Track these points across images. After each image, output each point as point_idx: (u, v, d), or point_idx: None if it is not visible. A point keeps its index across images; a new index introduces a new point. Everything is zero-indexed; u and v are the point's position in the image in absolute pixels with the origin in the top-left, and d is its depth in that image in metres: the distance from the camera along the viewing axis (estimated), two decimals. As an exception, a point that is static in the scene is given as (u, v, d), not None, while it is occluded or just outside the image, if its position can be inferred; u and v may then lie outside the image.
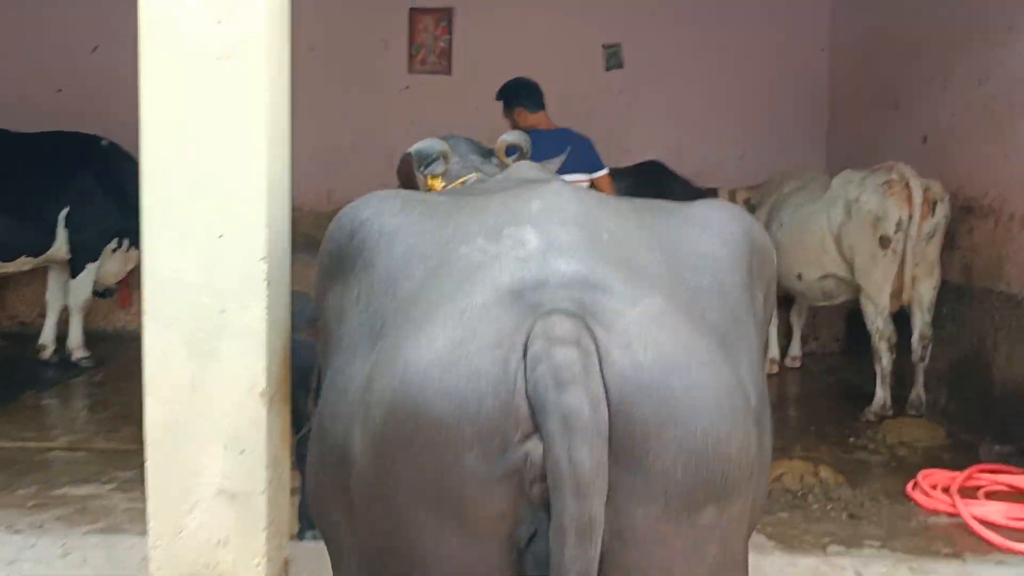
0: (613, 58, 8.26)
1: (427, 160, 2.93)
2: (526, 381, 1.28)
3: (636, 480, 1.30)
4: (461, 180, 2.82)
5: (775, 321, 6.98)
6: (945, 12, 6.03)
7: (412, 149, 3.03)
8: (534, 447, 1.28)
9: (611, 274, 1.38)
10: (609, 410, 1.28)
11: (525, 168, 2.32)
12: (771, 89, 8.37)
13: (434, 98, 8.01)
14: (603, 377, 1.28)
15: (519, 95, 5.65)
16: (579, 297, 1.34)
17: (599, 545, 1.26)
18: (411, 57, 8.33)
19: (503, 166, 2.89)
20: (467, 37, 8.29)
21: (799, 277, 6.12)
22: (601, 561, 1.28)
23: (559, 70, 8.25)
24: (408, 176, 3.00)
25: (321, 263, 1.77)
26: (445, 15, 8.25)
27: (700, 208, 1.71)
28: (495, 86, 8.33)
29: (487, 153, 3.14)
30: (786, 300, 7.06)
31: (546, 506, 1.28)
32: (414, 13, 8.25)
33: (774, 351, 7.02)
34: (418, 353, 1.34)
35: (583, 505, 1.24)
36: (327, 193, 7.86)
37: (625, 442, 1.29)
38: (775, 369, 6.99)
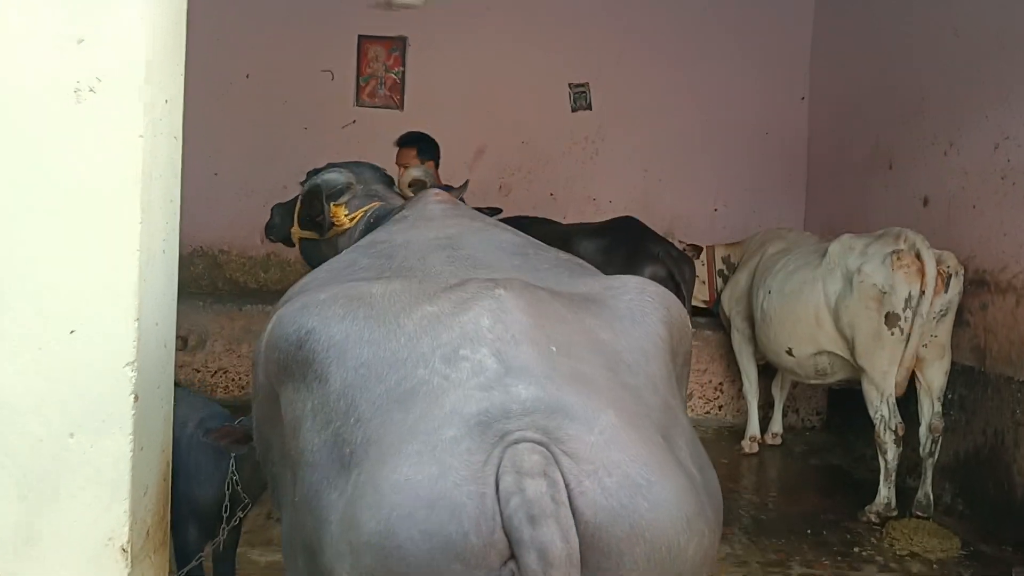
0: (580, 98, 7.61)
1: (333, 190, 3.07)
2: (501, 515, 1.36)
3: None
4: (363, 209, 3.01)
5: (756, 392, 6.33)
6: (951, 70, 5.50)
7: (320, 180, 3.15)
8: (514, 569, 1.36)
9: (567, 395, 1.46)
10: (581, 535, 1.37)
11: (432, 201, 2.35)
12: (747, 138, 7.80)
13: (383, 135, 7.21)
14: (573, 506, 1.37)
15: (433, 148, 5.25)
16: (542, 424, 1.42)
17: None
18: (359, 89, 7.57)
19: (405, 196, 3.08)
20: (421, 69, 7.56)
21: (789, 352, 5.45)
22: None
23: (521, 108, 7.59)
24: (313, 206, 3.12)
25: (267, 369, 1.76)
26: (398, 44, 7.51)
27: (623, 296, 1.77)
28: (451, 123, 7.58)
29: (391, 182, 3.30)
30: (767, 369, 6.41)
31: None
32: (364, 41, 7.51)
33: (754, 427, 6.33)
34: (400, 496, 1.40)
35: None
36: (260, 235, 7.01)
37: (599, 562, 1.39)
38: (755, 448, 6.31)
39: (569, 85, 7.66)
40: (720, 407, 7.01)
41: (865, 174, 6.68)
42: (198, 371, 6.78)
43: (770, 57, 7.74)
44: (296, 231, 3.47)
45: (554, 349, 1.53)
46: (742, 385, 6.47)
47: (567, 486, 1.37)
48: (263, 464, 1.99)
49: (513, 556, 1.35)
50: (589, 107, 7.65)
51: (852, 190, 6.90)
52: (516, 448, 1.39)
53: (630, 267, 5.03)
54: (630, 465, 1.43)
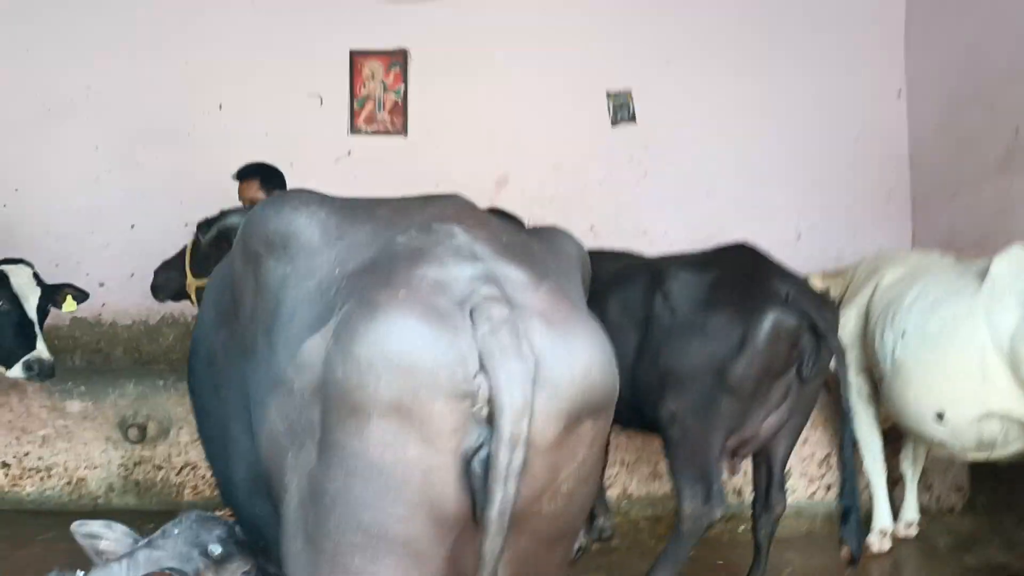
0: (622, 109, 6.23)
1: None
2: (476, 335, 1.80)
3: (550, 405, 1.82)
4: None
5: (882, 470, 4.74)
6: None
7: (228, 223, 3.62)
8: (483, 380, 1.79)
9: (518, 268, 1.95)
10: (535, 362, 1.81)
11: None
12: (832, 146, 6.31)
13: (384, 166, 5.93)
14: (529, 341, 1.82)
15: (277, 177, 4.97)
16: (501, 286, 1.88)
17: (524, 451, 1.77)
18: (354, 114, 6.28)
19: None
20: (427, 86, 6.26)
21: (939, 417, 3.88)
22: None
23: (550, 125, 6.21)
24: (222, 247, 3.32)
25: (248, 248, 2.15)
26: (398, 58, 6.23)
27: (548, 231, 2.42)
28: (466, 149, 6.13)
29: None
30: (889, 437, 4.82)
31: (490, 423, 1.78)
32: (357, 57, 6.24)
33: (884, 518, 4.72)
34: (396, 305, 1.82)
35: (516, 425, 1.76)
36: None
37: (544, 376, 1.81)
38: (887, 544, 4.69)
39: (607, 94, 6.28)
40: (828, 487, 5.40)
41: (1000, 174, 5.13)
42: (159, 467, 5.40)
43: (853, 47, 6.29)
44: (191, 282, 3.82)
45: (504, 240, 2.05)
46: (858, 458, 4.86)
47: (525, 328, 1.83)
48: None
49: (481, 370, 1.79)
50: (633, 118, 6.26)
51: (981, 197, 5.35)
52: (484, 294, 1.84)
53: (746, 311, 3.65)
54: (569, 311, 1.96)
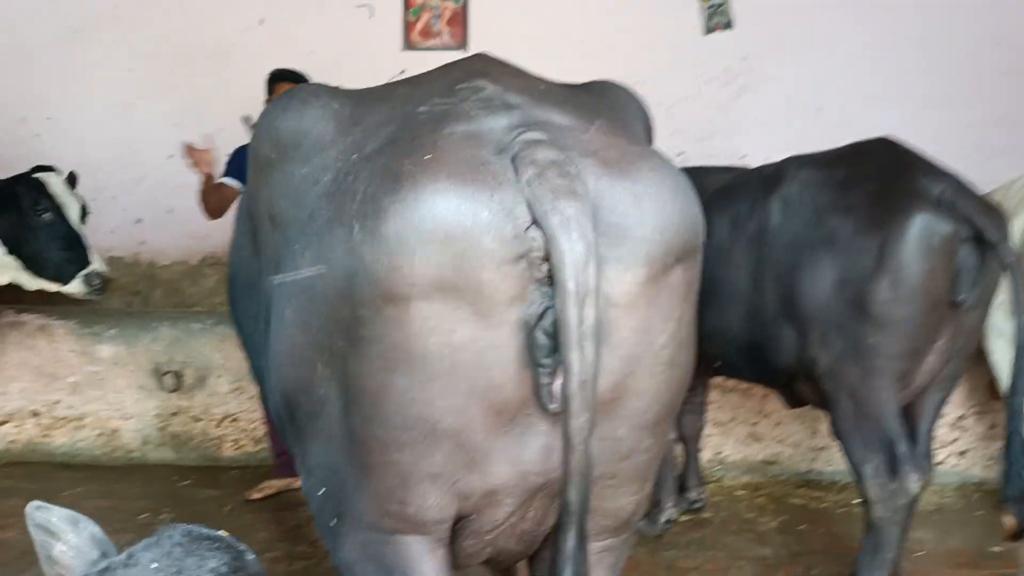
0: (716, 12, 5.37)
1: None
2: (521, 183, 1.53)
3: (619, 251, 1.56)
4: None
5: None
6: None
7: None
8: (536, 233, 1.51)
9: (558, 113, 1.68)
10: (592, 201, 1.55)
11: None
12: (968, 52, 5.37)
13: (441, 86, 5.24)
14: (582, 178, 1.55)
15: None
16: (544, 125, 1.62)
17: (595, 307, 1.49)
18: (408, 27, 5.58)
19: None
20: (490, -7, 5.51)
21: None
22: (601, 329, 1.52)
23: (630, 34, 5.41)
24: None
25: (259, 156, 1.96)
26: (457, -38, 5.49)
27: (596, 83, 2.21)
28: (532, 61, 5.45)
29: None
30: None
31: (551, 283, 1.51)
32: (411, -39, 5.52)
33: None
34: (422, 167, 1.54)
35: (581, 273, 1.48)
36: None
37: (608, 219, 1.55)
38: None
39: (699, -4, 5.43)
40: (962, 453, 4.60)
41: None
42: (197, 419, 4.90)
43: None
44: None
45: (542, 87, 1.79)
46: (997, 418, 4.05)
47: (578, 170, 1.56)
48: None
49: (533, 223, 1.51)
50: (729, 25, 5.41)
51: None
52: (526, 147, 1.56)
53: (886, 213, 2.85)
54: (627, 146, 1.67)
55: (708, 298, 3.51)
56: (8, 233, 4.15)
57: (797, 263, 3.09)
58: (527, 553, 1.85)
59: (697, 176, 3.90)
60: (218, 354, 4.87)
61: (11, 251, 4.17)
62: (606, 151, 1.61)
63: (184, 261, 5.77)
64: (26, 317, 4.95)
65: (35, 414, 4.95)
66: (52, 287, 4.25)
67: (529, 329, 1.53)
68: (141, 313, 5.12)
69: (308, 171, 1.77)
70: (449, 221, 1.50)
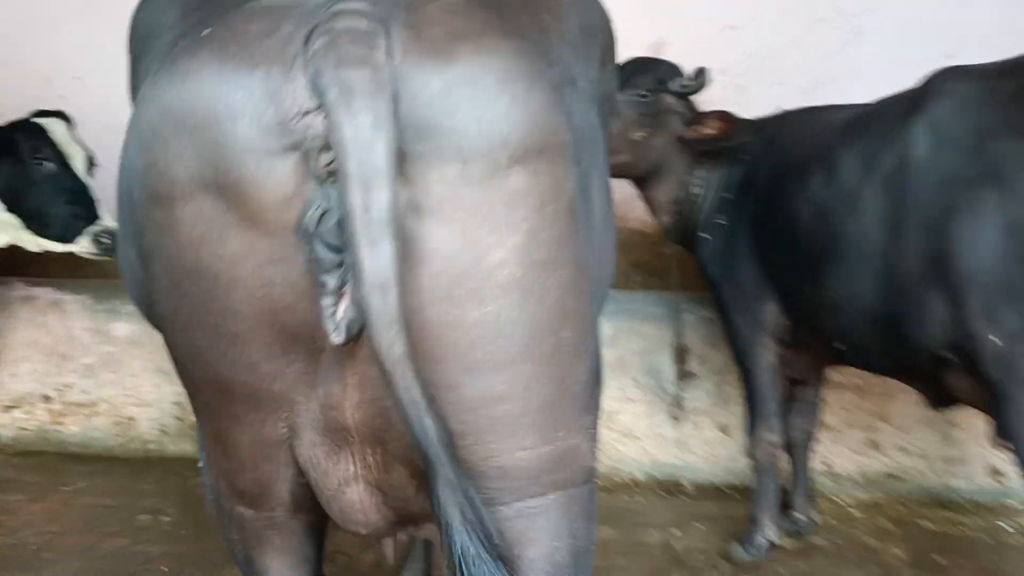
0: (826, -60, 4.54)
1: None
2: (305, 54, 1.23)
3: (426, 144, 1.25)
4: None
5: None
6: None
7: None
8: (315, 119, 1.23)
9: None
10: (396, 74, 1.25)
11: None
12: None
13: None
14: (386, 46, 1.25)
15: None
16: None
17: (388, 192, 1.20)
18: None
19: None
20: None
21: None
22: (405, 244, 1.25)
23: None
24: None
25: (132, 54, 1.80)
26: None
27: None
28: (611, 7, 4.85)
29: None
30: None
31: (335, 180, 1.23)
32: None
33: None
34: (192, 45, 1.31)
35: (366, 151, 1.20)
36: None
37: (416, 109, 1.25)
38: None
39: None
40: None
41: None
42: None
43: None
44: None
45: None
46: None
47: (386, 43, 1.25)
48: None
49: (316, 108, 1.23)
50: (841, -45, 4.56)
51: None
52: (330, 17, 1.25)
53: None
54: (464, 25, 1.31)
55: (826, 259, 2.64)
56: (6, 187, 3.64)
57: (951, 207, 2.30)
58: (406, 514, 1.53)
59: (822, 114, 3.19)
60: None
61: (11, 208, 3.66)
62: (432, 27, 1.28)
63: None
64: (37, 291, 4.48)
65: (46, 399, 4.46)
66: (57, 248, 3.72)
67: (311, 233, 1.25)
68: (163, 288, 4.59)
69: (148, 62, 1.57)
70: (197, 105, 1.25)
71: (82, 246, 3.67)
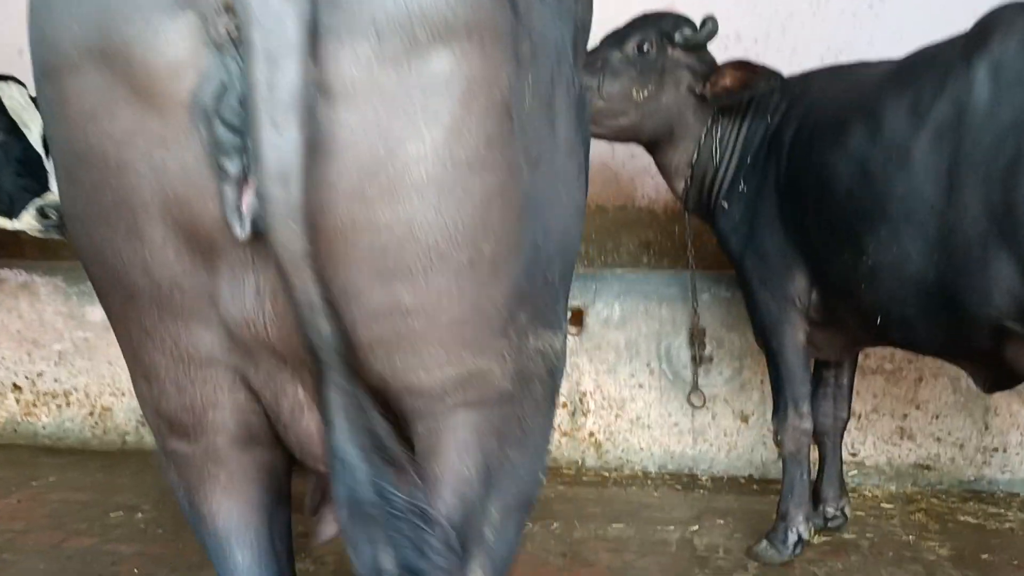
0: None
1: None
2: None
3: (337, 16, 1.09)
4: None
5: None
6: None
7: None
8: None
9: None
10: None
11: None
12: None
13: None
14: None
15: None
16: None
17: (297, 70, 1.04)
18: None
19: None
20: None
21: None
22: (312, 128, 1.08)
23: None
24: None
25: None
26: None
27: None
28: None
29: None
30: None
31: (236, 49, 1.07)
32: None
33: None
34: None
35: (273, 23, 1.04)
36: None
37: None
38: None
39: None
40: None
41: None
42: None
43: None
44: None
45: None
46: None
47: None
48: None
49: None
50: (864, -87, 4.29)
51: None
52: None
53: None
54: None
55: (869, 222, 2.35)
56: None
57: (1019, 155, 2.02)
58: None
59: (855, 69, 2.92)
60: (229, 320, 4.02)
61: None
62: None
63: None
64: (5, 273, 4.19)
65: (16, 388, 4.17)
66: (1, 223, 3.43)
67: (210, 114, 1.09)
68: (141, 270, 4.29)
69: None
70: None
71: (25, 222, 3.35)
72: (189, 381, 1.29)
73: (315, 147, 1.08)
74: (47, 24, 1.15)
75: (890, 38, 4.30)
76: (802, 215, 2.70)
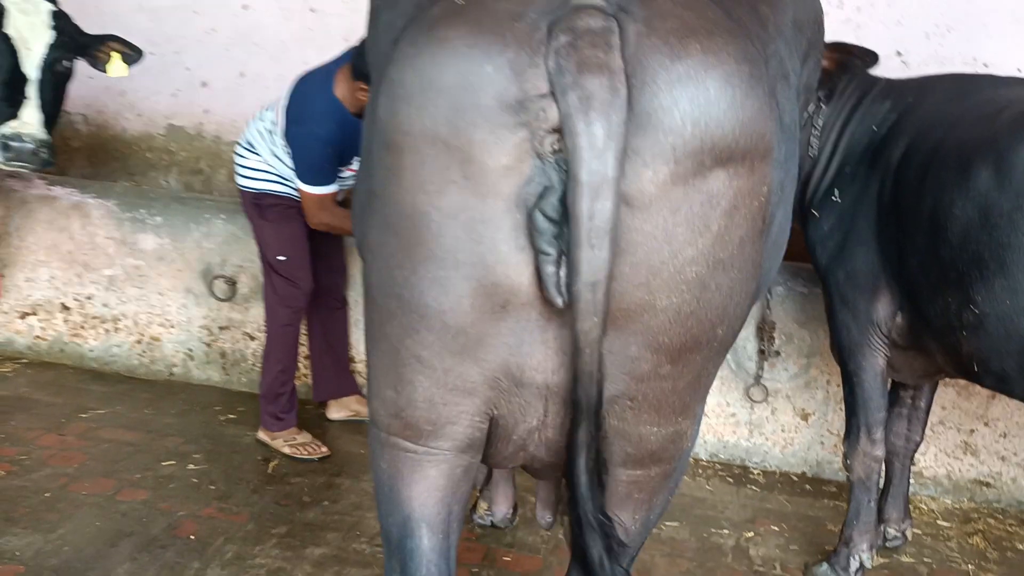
0: None
1: None
2: (548, 45, 1.32)
3: (645, 142, 1.32)
4: None
5: None
6: None
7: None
8: (549, 105, 1.32)
9: None
10: (627, 78, 1.31)
11: None
12: None
13: None
14: (621, 38, 1.32)
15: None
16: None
17: (612, 201, 1.30)
18: None
19: None
20: None
21: None
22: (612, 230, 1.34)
23: None
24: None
25: (374, 4, 1.79)
26: None
27: None
28: None
29: None
30: None
31: (558, 164, 1.33)
32: None
33: None
34: (446, 14, 1.40)
35: (596, 160, 1.28)
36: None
37: (641, 102, 1.31)
38: None
39: None
40: None
41: None
42: (251, 337, 3.98)
43: None
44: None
45: None
46: None
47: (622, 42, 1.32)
48: None
49: (550, 93, 1.31)
50: None
51: None
52: (571, 12, 1.33)
53: None
54: (695, 19, 1.37)
55: (984, 271, 2.21)
56: None
57: None
58: (559, 463, 1.64)
59: (982, 86, 2.69)
60: (282, 259, 3.91)
61: None
62: (664, 20, 1.33)
63: (255, 138, 4.79)
64: (58, 191, 4.08)
65: (65, 308, 4.13)
66: None
67: (527, 208, 1.35)
68: (195, 199, 4.15)
69: (390, 17, 1.59)
70: (450, 70, 1.34)
71: None
72: (443, 403, 1.50)
73: (615, 246, 1.32)
74: (404, 109, 1.38)
75: (1000, 18, 4.00)
76: (904, 244, 2.53)
